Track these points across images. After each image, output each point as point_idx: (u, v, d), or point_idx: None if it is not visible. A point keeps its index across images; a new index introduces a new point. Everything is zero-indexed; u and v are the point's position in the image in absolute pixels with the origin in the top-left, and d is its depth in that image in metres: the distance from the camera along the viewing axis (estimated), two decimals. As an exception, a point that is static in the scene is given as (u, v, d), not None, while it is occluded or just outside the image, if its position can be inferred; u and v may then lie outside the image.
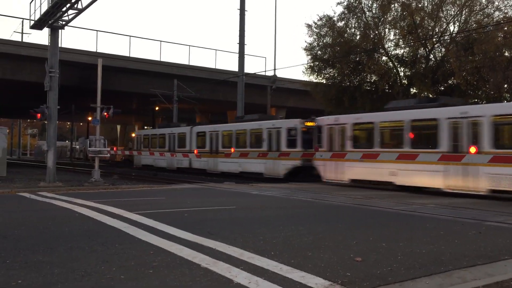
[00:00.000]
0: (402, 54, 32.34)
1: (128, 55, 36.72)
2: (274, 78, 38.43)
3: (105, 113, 21.71)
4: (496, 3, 28.93)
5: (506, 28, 28.38)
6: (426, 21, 30.35)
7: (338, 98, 32.84)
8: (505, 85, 29.39)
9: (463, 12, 29.71)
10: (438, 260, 6.42)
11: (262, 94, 40.04)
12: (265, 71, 40.81)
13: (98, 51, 34.28)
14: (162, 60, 38.55)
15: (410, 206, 13.14)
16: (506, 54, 28.72)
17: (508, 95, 31.11)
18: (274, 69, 38.76)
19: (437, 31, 30.59)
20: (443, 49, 31.18)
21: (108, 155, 24.49)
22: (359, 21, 31.92)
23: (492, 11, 29.25)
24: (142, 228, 8.80)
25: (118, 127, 74.76)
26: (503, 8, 28.96)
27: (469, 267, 6.03)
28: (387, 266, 6.07)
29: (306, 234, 8.37)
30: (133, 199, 14.34)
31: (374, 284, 5.27)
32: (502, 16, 28.95)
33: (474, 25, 29.02)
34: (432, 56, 31.51)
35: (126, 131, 74.15)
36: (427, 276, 5.61)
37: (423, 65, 31.09)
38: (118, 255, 6.63)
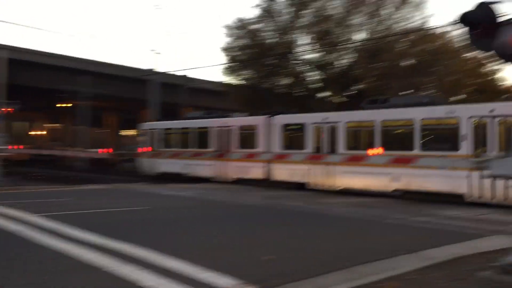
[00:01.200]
0: (314, 59, 33.47)
1: (38, 49, 34.59)
2: (187, 77, 38.09)
3: (7, 109, 20.31)
4: (399, 15, 30.93)
5: (406, 39, 30.39)
6: (335, 28, 31.68)
7: (253, 99, 33.30)
8: (405, 92, 31.43)
9: (369, 22, 31.43)
10: (340, 257, 6.73)
11: (175, 93, 39.50)
12: (179, 70, 40.39)
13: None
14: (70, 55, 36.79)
15: (321, 206, 13.63)
16: (407, 62, 30.78)
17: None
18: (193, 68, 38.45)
19: (346, 38, 32.05)
20: (351, 56, 32.72)
21: (10, 153, 22.95)
22: (275, 24, 32.63)
23: (395, 23, 31.22)
24: (44, 231, 8.32)
25: (25, 124, 70.19)
26: (404, 20, 31.01)
27: (368, 263, 6.38)
28: (293, 264, 6.26)
29: (218, 234, 8.40)
30: (38, 201, 13.52)
31: (283, 282, 5.41)
32: (404, 28, 30.94)
33: (379, 34, 30.75)
34: (341, 61, 32.95)
35: (30, 128, 69.79)
36: (329, 273, 5.85)
37: (334, 70, 32.41)
38: (18, 260, 6.23)
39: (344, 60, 32.99)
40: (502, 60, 6.03)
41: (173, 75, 39.00)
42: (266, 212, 12.37)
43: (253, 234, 8.60)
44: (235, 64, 33.77)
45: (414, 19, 30.95)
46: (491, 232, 9.14)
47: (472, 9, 5.72)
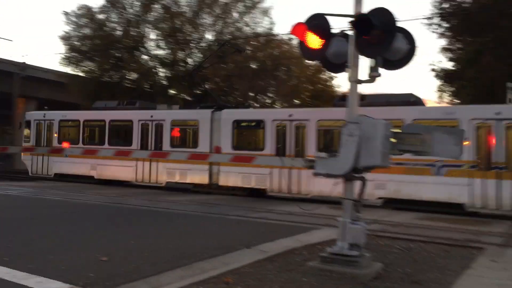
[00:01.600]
0: (163, 56, 33.09)
1: None
2: (24, 65, 34.74)
3: None
4: (246, 19, 32.20)
5: (252, 43, 31.80)
6: (185, 26, 31.75)
7: (97, 93, 31.64)
8: (250, 93, 32.87)
9: (219, 23, 32.14)
10: (183, 254, 6.73)
11: (7, 82, 35.70)
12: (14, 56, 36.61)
13: None
14: None
15: (163, 203, 13.50)
16: (252, 65, 32.18)
17: (253, 101, 34.82)
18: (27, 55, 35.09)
19: (195, 37, 32.32)
20: (200, 55, 33.09)
21: None
22: (121, 16, 31.45)
23: (242, 26, 32.41)
24: None
25: None
26: (251, 24, 32.38)
27: (209, 259, 6.49)
28: (133, 264, 6.07)
29: (50, 236, 7.77)
30: None
31: (118, 283, 5.20)
32: (250, 32, 32.32)
33: (227, 36, 31.65)
34: (190, 60, 33.12)
35: None
36: (170, 270, 5.81)
37: (182, 68, 32.41)
38: None
39: (192, 59, 33.22)
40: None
41: (9, 61, 35.26)
42: (107, 211, 11.83)
43: (88, 235, 8.13)
44: (76, 55, 31.73)
45: (262, 24, 32.48)
46: (321, 225, 9.99)
47: (371, 13, 5.70)
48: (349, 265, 5.74)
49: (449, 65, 31.29)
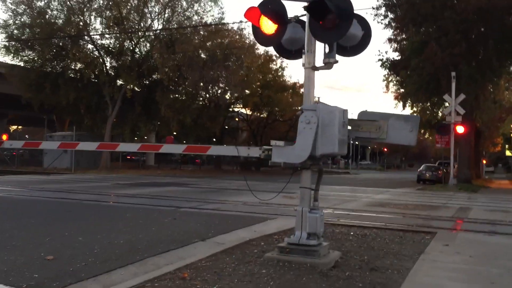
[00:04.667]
0: (109, 45, 32.02)
1: None
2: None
3: None
4: (196, 8, 31.62)
5: (202, 32, 31.29)
6: (132, 15, 30.81)
7: (39, 83, 30.23)
8: (201, 83, 32.42)
9: (167, 11, 31.38)
10: (135, 250, 6.43)
11: None
12: None
13: None
14: None
15: (112, 197, 13.03)
16: (202, 55, 31.70)
17: (204, 92, 34.37)
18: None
19: (142, 26, 31.45)
20: (148, 44, 32.25)
21: None
22: (62, 3, 30.07)
23: (191, 15, 31.82)
24: None
25: None
26: (201, 13, 31.85)
27: (163, 253, 6.23)
28: (82, 262, 5.73)
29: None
30: None
31: (66, 283, 4.86)
32: (199, 21, 31.80)
33: (176, 25, 31.00)
34: (138, 50, 32.22)
35: None
36: (122, 267, 5.51)
37: (129, 58, 31.49)
38: None
39: (139, 48, 32.33)
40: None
41: None
42: (52, 206, 11.24)
43: (32, 232, 7.65)
44: (15, 44, 30.12)
45: (211, 13, 32.04)
46: (276, 214, 9.92)
47: None
48: (308, 254, 5.66)
49: (395, 55, 32.11)
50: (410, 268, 5.73)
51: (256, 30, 6.05)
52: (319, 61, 5.91)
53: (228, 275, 5.21)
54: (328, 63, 5.84)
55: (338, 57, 5.91)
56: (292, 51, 6.35)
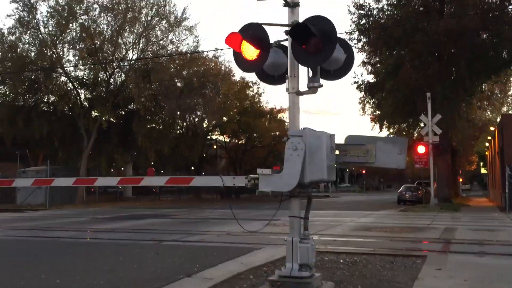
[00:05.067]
0: (83, 76, 31.66)
1: None
2: None
3: None
4: (171, 37, 31.60)
5: (177, 61, 31.25)
6: (106, 46, 30.60)
7: (11, 118, 29.53)
8: (178, 112, 32.18)
9: (141, 41, 31.26)
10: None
11: None
12: None
13: None
14: None
15: (90, 233, 12.53)
16: (179, 84, 31.58)
17: (181, 120, 34.11)
18: None
19: (117, 56, 31.21)
20: (123, 75, 31.99)
21: None
22: (34, 37, 29.68)
23: (166, 44, 31.77)
24: None
25: None
26: (176, 42, 31.84)
27: (148, 293, 5.89)
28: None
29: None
30: None
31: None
32: (175, 49, 31.77)
33: (151, 54, 30.88)
34: (112, 80, 31.91)
35: None
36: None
37: (104, 89, 31.15)
38: None
39: (114, 79, 32.03)
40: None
41: None
42: (24, 246, 10.69)
43: (6, 276, 7.18)
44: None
45: (186, 41, 32.09)
46: (262, 244, 9.62)
47: (309, 21, 5.38)
48: (301, 287, 5.39)
49: (370, 77, 32.55)
50: (407, 296, 5.52)
51: (238, 56, 5.89)
52: (303, 85, 5.77)
53: (219, 315, 4.90)
54: (313, 87, 5.70)
55: (322, 81, 5.79)
56: (275, 76, 6.21)
